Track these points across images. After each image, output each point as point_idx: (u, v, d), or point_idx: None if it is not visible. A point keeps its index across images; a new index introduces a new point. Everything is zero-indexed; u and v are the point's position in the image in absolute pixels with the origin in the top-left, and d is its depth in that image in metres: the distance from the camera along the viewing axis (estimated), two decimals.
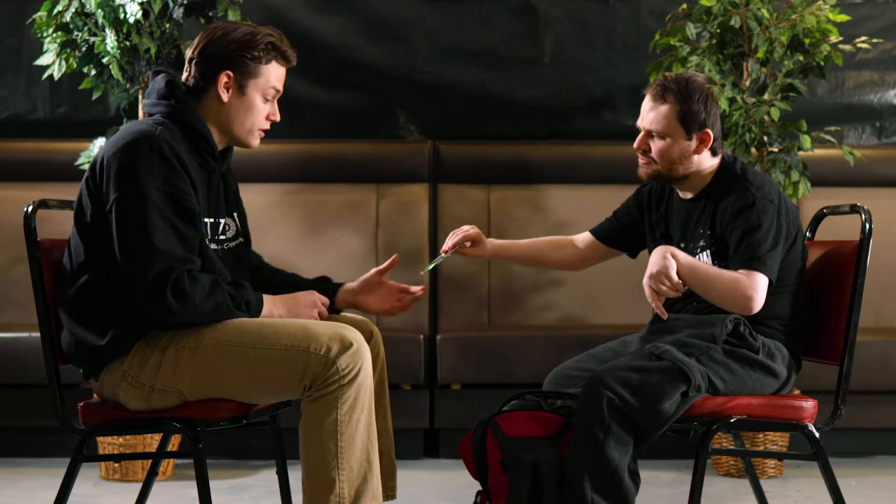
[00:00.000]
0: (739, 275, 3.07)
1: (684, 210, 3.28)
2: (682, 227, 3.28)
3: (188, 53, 2.98)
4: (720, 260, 3.18)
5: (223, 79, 2.93)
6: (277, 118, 3.02)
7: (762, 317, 3.15)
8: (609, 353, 3.33)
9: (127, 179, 2.79)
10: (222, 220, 3.01)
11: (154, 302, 2.78)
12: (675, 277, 3.04)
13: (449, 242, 3.41)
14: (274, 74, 2.97)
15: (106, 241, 2.84)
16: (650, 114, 3.22)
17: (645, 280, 3.06)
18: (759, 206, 3.11)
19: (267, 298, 2.98)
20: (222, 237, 3.01)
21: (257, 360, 2.82)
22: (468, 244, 3.42)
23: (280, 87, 2.99)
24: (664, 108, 3.20)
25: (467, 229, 3.42)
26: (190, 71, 2.96)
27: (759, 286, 3.06)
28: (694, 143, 3.20)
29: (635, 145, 3.26)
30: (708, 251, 3.20)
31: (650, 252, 3.35)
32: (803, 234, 3.25)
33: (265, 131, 3.03)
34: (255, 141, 3.01)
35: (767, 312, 3.14)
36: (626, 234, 3.47)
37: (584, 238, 3.54)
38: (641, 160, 3.27)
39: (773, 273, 3.09)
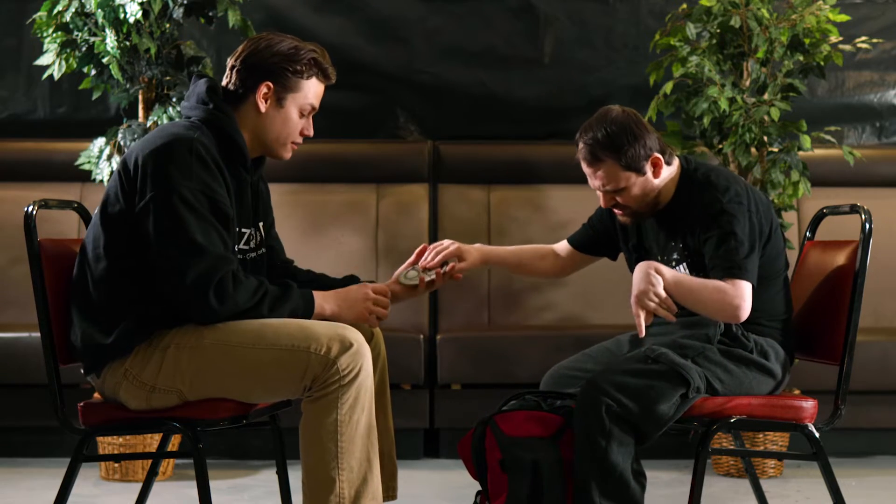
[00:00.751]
0: (724, 284, 3.04)
1: (654, 222, 3.27)
2: (656, 240, 3.26)
3: (230, 61, 2.98)
4: (697, 271, 3.16)
5: (263, 89, 2.93)
6: (311, 134, 3.02)
7: (751, 315, 3.14)
8: (604, 353, 3.33)
9: (164, 179, 2.79)
10: (246, 231, 3.01)
11: (195, 302, 2.78)
12: (663, 293, 3.02)
13: (430, 258, 3.27)
14: (313, 90, 2.98)
15: (128, 238, 2.84)
16: (596, 179, 3.17)
17: (632, 300, 3.04)
18: (729, 211, 3.07)
19: (317, 295, 2.97)
20: (245, 247, 3.01)
21: (258, 361, 2.82)
22: (456, 260, 3.31)
23: (317, 104, 3.00)
24: (604, 168, 3.14)
25: (447, 245, 3.31)
26: (231, 77, 2.97)
27: (744, 294, 3.04)
28: (650, 172, 3.17)
29: (603, 205, 3.23)
30: (684, 263, 3.18)
31: (627, 258, 3.34)
32: (778, 225, 3.23)
33: (298, 145, 3.03)
34: (287, 154, 3.02)
35: (754, 310, 3.13)
36: (602, 242, 3.44)
37: (563, 247, 3.51)
38: (617, 211, 3.24)
39: (754, 277, 3.07)
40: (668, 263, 3.19)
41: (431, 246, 3.33)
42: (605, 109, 3.19)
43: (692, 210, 3.14)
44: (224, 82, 2.99)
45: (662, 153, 3.16)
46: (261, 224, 3.09)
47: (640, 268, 3.06)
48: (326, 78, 3.00)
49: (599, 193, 3.20)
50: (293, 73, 2.94)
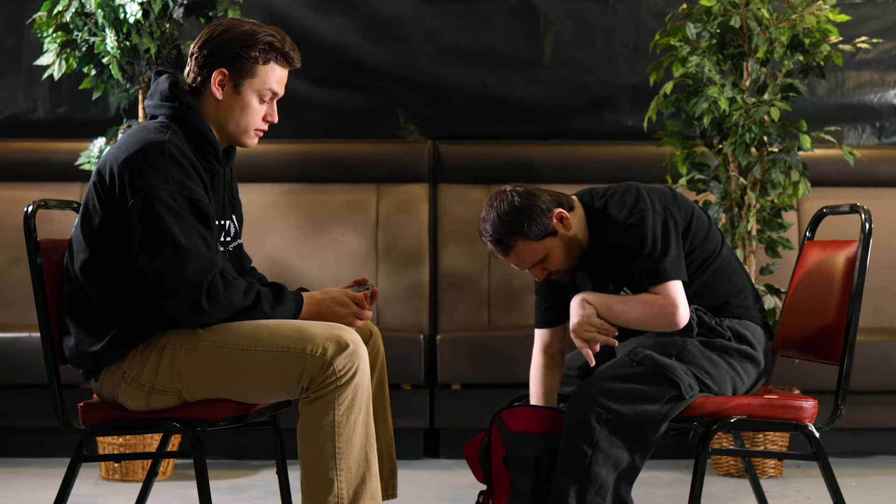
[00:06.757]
0: (653, 295, 3.05)
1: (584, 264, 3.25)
2: (593, 279, 3.23)
3: (191, 48, 2.95)
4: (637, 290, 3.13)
5: (217, 76, 2.89)
6: (275, 120, 2.96)
7: (711, 303, 3.14)
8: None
9: (142, 185, 2.76)
10: (227, 223, 3.01)
11: (186, 305, 2.77)
12: (597, 321, 3.02)
13: None
14: (272, 76, 2.92)
15: (112, 247, 2.82)
16: (519, 262, 3.17)
17: (571, 334, 3.04)
18: (632, 225, 3.07)
19: (306, 295, 2.95)
20: (227, 239, 3.01)
21: (254, 363, 2.81)
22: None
23: (279, 90, 2.94)
24: (516, 252, 3.15)
25: None
26: (190, 66, 2.94)
27: (675, 294, 3.04)
28: (561, 229, 3.15)
29: (538, 279, 3.22)
30: (623, 289, 3.17)
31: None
32: (695, 207, 3.20)
33: (264, 132, 2.99)
34: (251, 141, 2.97)
35: (711, 295, 3.13)
36: (562, 305, 3.31)
37: (542, 339, 3.35)
38: (554, 277, 3.23)
39: (682, 272, 3.07)
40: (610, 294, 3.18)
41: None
42: (491, 200, 3.16)
43: (602, 240, 3.14)
44: (185, 72, 2.95)
45: (561, 205, 3.16)
46: (234, 216, 3.08)
47: (573, 302, 3.07)
48: (287, 62, 2.94)
49: (527, 271, 3.20)
50: (248, 58, 2.88)
